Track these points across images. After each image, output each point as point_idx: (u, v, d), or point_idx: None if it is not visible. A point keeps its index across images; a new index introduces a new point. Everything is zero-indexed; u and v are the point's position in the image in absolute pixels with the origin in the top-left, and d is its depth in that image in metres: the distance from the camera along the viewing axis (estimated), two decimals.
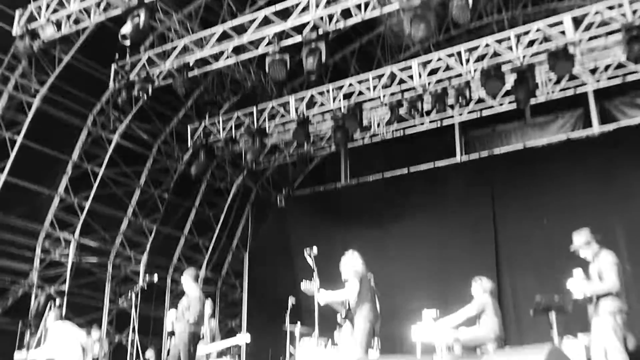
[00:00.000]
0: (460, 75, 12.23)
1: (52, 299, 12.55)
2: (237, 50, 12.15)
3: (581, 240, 7.41)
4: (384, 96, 13.08)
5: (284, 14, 11.11)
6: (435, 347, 8.78)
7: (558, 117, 14.68)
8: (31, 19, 11.09)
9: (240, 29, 11.68)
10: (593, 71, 12.47)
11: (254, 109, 14.31)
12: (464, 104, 12.56)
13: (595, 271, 7.17)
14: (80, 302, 14.23)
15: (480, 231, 14.22)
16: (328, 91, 13.43)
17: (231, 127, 14.52)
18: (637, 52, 10.24)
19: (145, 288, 11.81)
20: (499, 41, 11.59)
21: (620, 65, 12.08)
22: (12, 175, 12.88)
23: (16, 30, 11.17)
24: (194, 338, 8.59)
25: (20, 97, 12.82)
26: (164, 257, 16.59)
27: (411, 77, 12.46)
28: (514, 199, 14.14)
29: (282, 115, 14.03)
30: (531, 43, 11.29)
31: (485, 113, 13.71)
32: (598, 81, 12.51)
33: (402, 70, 12.63)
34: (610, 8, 10.60)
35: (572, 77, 12.40)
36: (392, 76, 12.75)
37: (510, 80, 11.93)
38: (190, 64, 12.31)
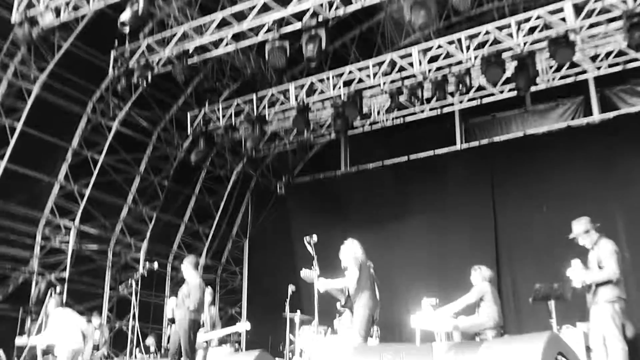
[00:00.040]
0: (460, 62, 12.18)
1: (52, 286, 12.64)
2: (237, 37, 12.11)
3: (580, 228, 7.42)
4: (384, 83, 13.04)
5: (284, 1, 11.05)
6: (434, 335, 8.82)
7: (558, 104, 14.65)
8: (30, 5, 11.02)
9: (240, 16, 11.61)
10: (594, 58, 12.43)
11: (254, 97, 14.28)
12: (464, 92, 12.54)
13: (595, 259, 7.18)
14: (80, 289, 14.28)
15: (480, 219, 14.22)
16: (328, 78, 13.39)
17: (231, 115, 14.48)
18: (638, 40, 10.21)
19: (145, 275, 11.87)
20: (500, 28, 11.54)
21: (621, 53, 12.04)
22: (12, 162, 12.88)
23: (15, 17, 11.11)
24: (194, 325, 8.60)
25: (20, 84, 12.80)
26: (164, 245, 16.62)
27: (411, 64, 12.42)
28: (514, 187, 14.14)
29: (282, 103, 13.99)
30: (532, 30, 11.23)
31: (485, 100, 13.69)
32: (599, 68, 12.47)
33: (402, 57, 12.58)
34: None
35: (573, 65, 12.37)
36: (393, 63, 12.70)
37: (510, 67, 11.89)
38: (190, 51, 12.26)
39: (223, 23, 11.82)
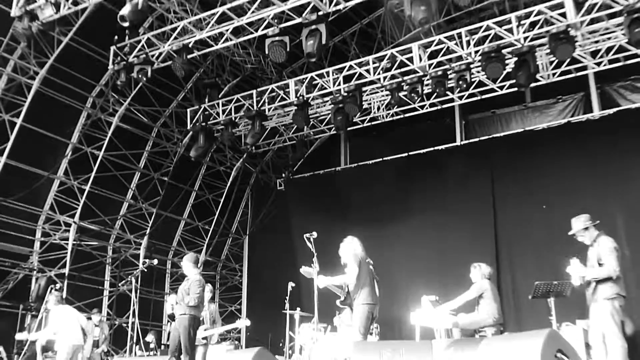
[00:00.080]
0: (460, 58, 12.15)
1: (52, 283, 12.64)
2: (237, 32, 12.08)
3: (579, 225, 7.42)
4: (384, 79, 13.02)
5: None
6: (434, 332, 8.83)
7: (558, 100, 14.62)
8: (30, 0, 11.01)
9: (240, 11, 11.58)
10: (594, 54, 12.39)
11: (254, 92, 14.25)
12: (464, 88, 12.48)
13: (594, 256, 7.18)
14: (80, 285, 14.27)
15: (479, 215, 14.20)
16: (328, 74, 13.36)
17: (231, 110, 14.46)
18: (638, 35, 10.16)
19: (145, 271, 11.87)
20: (500, 24, 11.50)
21: (621, 49, 12.01)
22: (11, 158, 12.87)
23: (15, 11, 11.09)
24: (194, 322, 8.60)
25: (20, 79, 12.78)
26: (164, 241, 16.62)
27: (411, 60, 12.39)
28: (513, 183, 14.12)
29: (282, 98, 13.96)
30: (532, 26, 11.20)
31: (485, 96, 13.65)
32: (599, 64, 12.44)
33: (402, 53, 12.55)
34: None
35: (573, 61, 12.34)
36: (393, 59, 12.67)
37: (510, 63, 11.86)
38: (190, 46, 12.24)
39: (223, 18, 11.79)
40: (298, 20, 11.02)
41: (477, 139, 15.15)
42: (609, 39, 11.85)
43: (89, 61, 13.36)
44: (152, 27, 13.07)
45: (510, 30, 11.32)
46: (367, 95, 14.16)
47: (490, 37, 11.60)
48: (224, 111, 14.53)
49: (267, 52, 11.34)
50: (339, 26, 14.77)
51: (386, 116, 14.78)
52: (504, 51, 11.59)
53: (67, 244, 14.23)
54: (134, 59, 12.48)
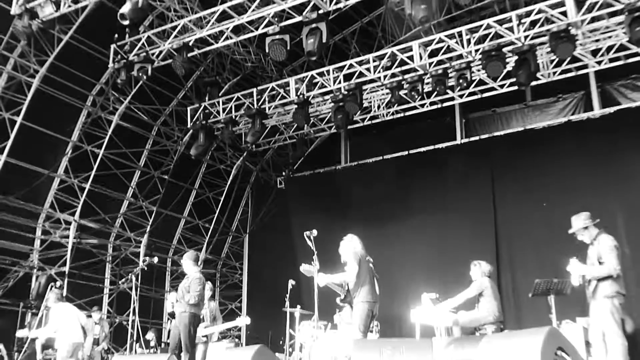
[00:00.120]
0: (461, 56, 12.15)
1: (52, 281, 12.63)
2: (237, 30, 12.08)
3: (579, 224, 7.42)
4: (384, 77, 13.02)
5: None
6: (434, 330, 8.83)
7: (559, 99, 14.62)
8: None
9: (240, 9, 11.58)
10: (594, 53, 12.39)
11: (254, 90, 14.25)
12: (464, 86, 12.47)
13: (595, 254, 7.18)
14: (80, 283, 14.28)
15: (480, 213, 14.20)
16: (328, 72, 13.36)
17: (231, 109, 14.46)
18: (639, 34, 10.15)
19: (145, 269, 11.87)
20: (501, 22, 11.49)
21: (622, 47, 12.00)
22: (12, 156, 12.86)
23: (15, 9, 11.10)
24: (194, 320, 8.60)
25: (20, 77, 12.77)
26: (164, 239, 16.62)
27: (412, 58, 12.38)
28: (514, 181, 14.12)
29: (282, 97, 13.96)
30: (533, 24, 11.19)
31: (485, 95, 13.65)
32: (599, 63, 12.44)
33: (402, 51, 12.54)
34: None
35: (574, 59, 12.33)
36: (393, 57, 12.67)
37: (511, 62, 11.86)
38: (190, 44, 12.23)
39: (223, 16, 11.78)
40: (298, 18, 11.02)
41: (477, 138, 15.14)
42: (609, 37, 11.85)
43: (89, 59, 13.35)
44: (152, 25, 13.06)
45: (510, 29, 11.31)
46: (368, 93, 14.18)
47: (490, 36, 11.59)
48: (224, 109, 14.54)
49: (267, 51, 11.34)
50: (339, 24, 14.77)
51: (386, 114, 14.78)
52: (504, 50, 11.58)
53: (67, 242, 14.24)
54: (134, 57, 12.48)
